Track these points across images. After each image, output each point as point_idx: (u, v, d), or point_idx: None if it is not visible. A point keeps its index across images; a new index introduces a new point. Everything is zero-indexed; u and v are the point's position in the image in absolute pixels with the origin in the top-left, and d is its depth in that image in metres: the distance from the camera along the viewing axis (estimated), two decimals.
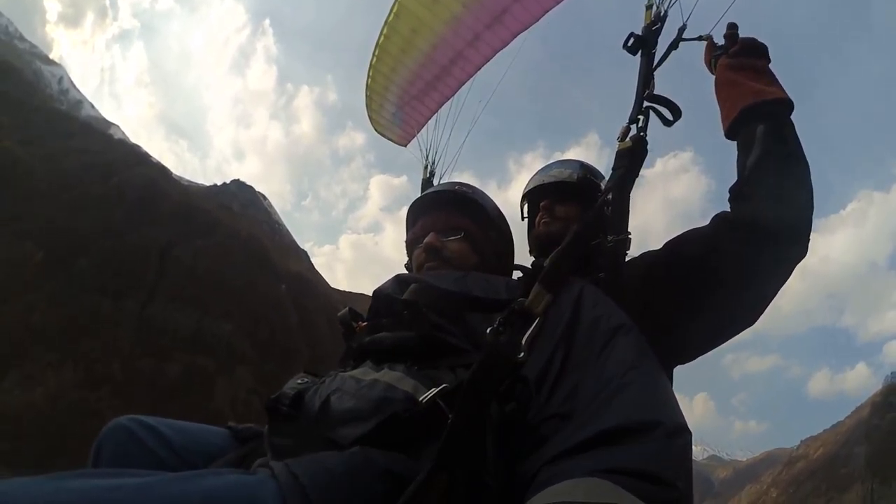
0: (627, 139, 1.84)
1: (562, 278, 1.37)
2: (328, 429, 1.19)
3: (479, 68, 3.21)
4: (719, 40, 1.99)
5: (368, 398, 1.20)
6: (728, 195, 1.75)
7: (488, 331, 1.27)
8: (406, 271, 2.00)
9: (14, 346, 34.71)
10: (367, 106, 3.61)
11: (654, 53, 2.01)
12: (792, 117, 1.76)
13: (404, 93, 3.44)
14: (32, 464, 27.68)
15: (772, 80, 1.81)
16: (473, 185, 2.03)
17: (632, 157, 1.81)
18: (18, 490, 0.75)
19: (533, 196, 2.35)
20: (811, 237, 1.65)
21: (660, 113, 1.92)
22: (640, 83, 1.95)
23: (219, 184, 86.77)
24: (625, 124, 1.89)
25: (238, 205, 76.27)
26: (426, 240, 1.83)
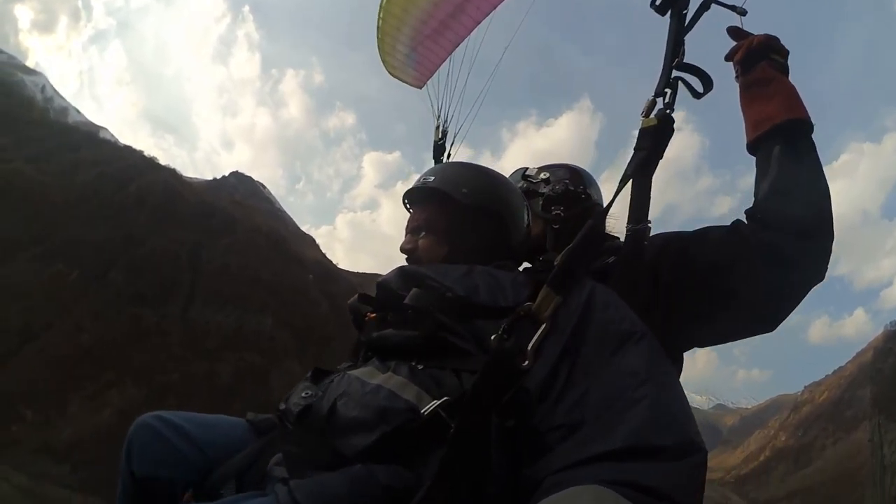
0: (653, 115, 1.70)
1: (573, 279, 1.33)
2: (335, 437, 1.23)
3: (495, 6, 3.17)
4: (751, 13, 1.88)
5: (372, 407, 1.22)
6: (745, 216, 1.72)
7: (493, 337, 1.24)
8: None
9: (70, 370, 34.76)
10: (379, 48, 3.58)
11: (686, 15, 1.80)
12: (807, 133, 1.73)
13: (417, 33, 3.40)
14: (112, 487, 27.85)
15: (782, 92, 1.75)
16: (465, 161, 2.03)
17: (656, 137, 1.66)
18: None
19: None
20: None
21: (689, 84, 1.78)
22: (668, 50, 1.76)
23: (217, 177, 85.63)
24: (650, 97, 1.74)
25: (240, 197, 75.17)
26: (401, 244, 1.86)
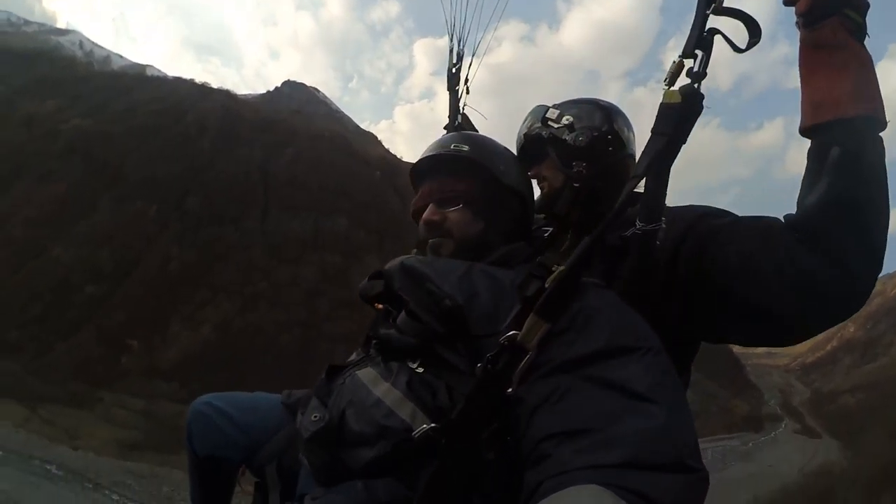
0: (677, 88, 1.40)
1: (564, 304, 1.26)
2: (343, 449, 1.37)
3: None
4: None
5: (373, 423, 1.32)
6: (785, 221, 1.45)
7: (478, 366, 1.25)
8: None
9: (166, 297, 37.59)
10: None
11: None
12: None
13: None
14: (223, 389, 31.26)
15: (854, 68, 1.40)
16: (478, 134, 2.04)
17: (680, 119, 1.38)
18: None
19: None
20: None
21: (728, 38, 1.43)
22: None
23: (270, 90, 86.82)
24: (677, 57, 1.42)
25: (297, 105, 76.79)
26: (424, 215, 1.73)
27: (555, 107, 2.02)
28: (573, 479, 0.97)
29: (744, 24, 1.46)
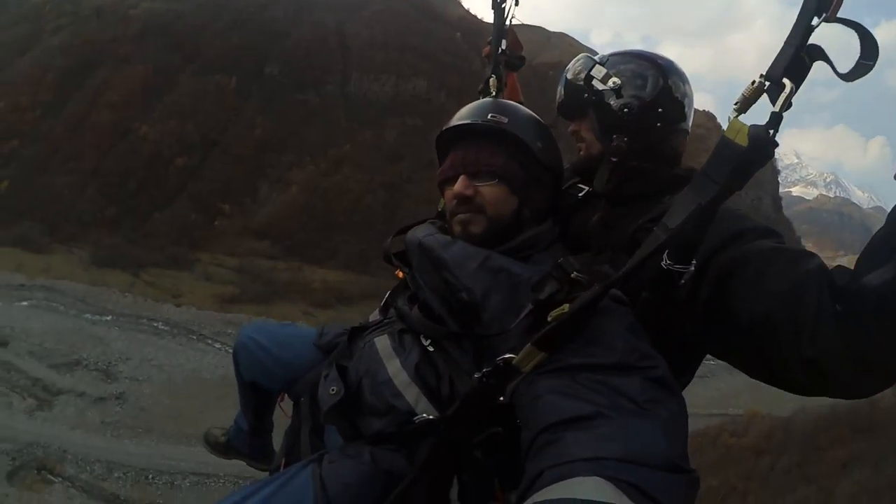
0: (748, 128, 1.14)
1: (560, 339, 1.24)
2: (358, 417, 1.54)
3: None
4: None
5: (383, 399, 1.47)
6: (831, 280, 1.15)
7: (474, 376, 1.29)
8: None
9: (253, 162, 38.68)
10: None
11: None
12: None
13: None
14: (309, 249, 35.53)
15: None
16: (515, 105, 1.81)
17: (740, 169, 1.16)
18: None
19: None
20: None
21: (830, 61, 1.14)
22: None
23: None
24: (759, 76, 1.18)
25: None
26: (456, 187, 1.64)
27: (602, 61, 1.76)
28: (574, 470, 1.00)
29: (860, 40, 1.12)
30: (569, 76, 1.82)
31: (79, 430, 21.34)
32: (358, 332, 1.72)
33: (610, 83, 1.72)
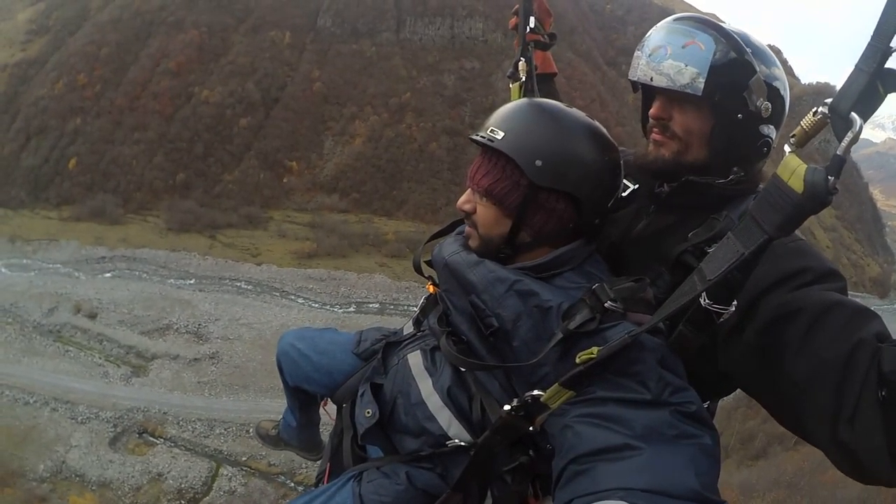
0: (805, 171, 1.01)
1: (586, 380, 1.26)
2: (394, 435, 1.66)
3: None
4: None
5: (417, 420, 1.57)
6: (882, 360, 1.05)
7: (504, 408, 1.35)
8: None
9: (315, 116, 39.18)
10: None
11: None
12: None
13: None
14: (377, 200, 36.63)
15: None
16: (542, 104, 1.60)
17: (792, 217, 1.06)
18: None
19: (643, 89, 1.66)
20: None
21: None
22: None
23: None
24: (821, 106, 1.04)
25: None
26: (460, 200, 1.64)
27: (763, 75, 1.45)
28: (604, 499, 1.04)
29: None
30: (715, 61, 1.43)
31: (176, 391, 22.08)
32: (392, 347, 1.80)
33: (763, 106, 1.46)
